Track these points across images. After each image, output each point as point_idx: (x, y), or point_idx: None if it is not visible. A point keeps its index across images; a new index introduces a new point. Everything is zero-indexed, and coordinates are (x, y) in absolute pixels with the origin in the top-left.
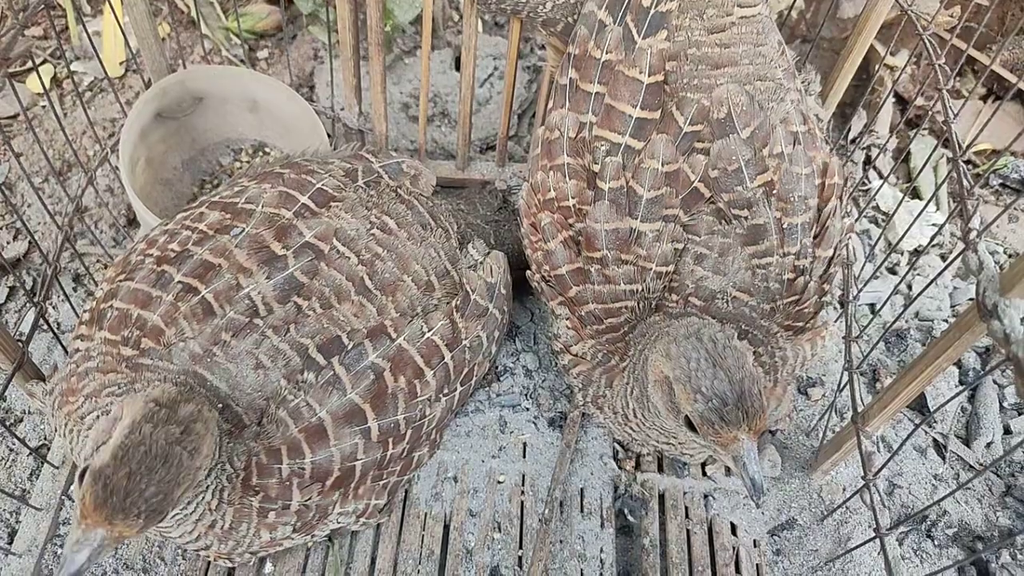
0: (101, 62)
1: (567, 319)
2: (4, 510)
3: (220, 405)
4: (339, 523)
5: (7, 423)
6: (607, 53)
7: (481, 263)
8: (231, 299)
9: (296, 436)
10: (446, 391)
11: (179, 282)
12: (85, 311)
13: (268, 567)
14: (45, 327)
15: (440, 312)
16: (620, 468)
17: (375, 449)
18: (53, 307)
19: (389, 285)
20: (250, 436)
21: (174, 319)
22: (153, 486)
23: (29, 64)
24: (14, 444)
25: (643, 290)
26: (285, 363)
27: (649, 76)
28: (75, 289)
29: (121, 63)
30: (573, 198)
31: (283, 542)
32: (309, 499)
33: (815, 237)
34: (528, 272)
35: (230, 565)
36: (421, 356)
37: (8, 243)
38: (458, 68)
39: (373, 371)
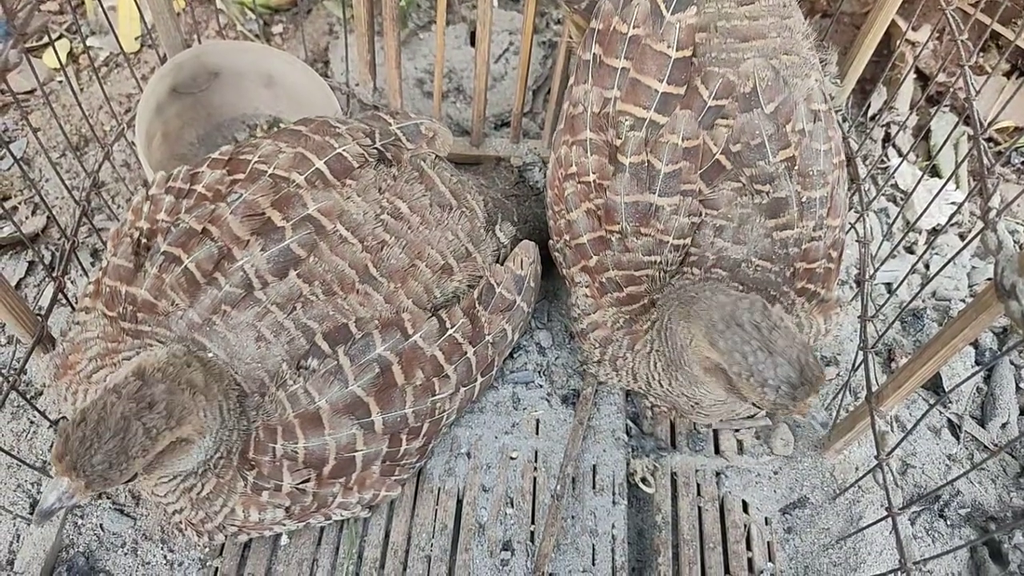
0: (117, 37)
1: (586, 287)
2: (26, 481)
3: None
4: (341, 515)
5: (28, 396)
6: (634, 28)
7: (506, 246)
8: (224, 270)
9: (291, 420)
10: (467, 383)
11: (163, 252)
12: (89, 283)
13: (284, 539)
14: (64, 301)
15: (460, 308)
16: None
17: (378, 441)
18: (71, 282)
19: (398, 272)
20: (252, 407)
21: (162, 292)
22: (100, 454)
23: (45, 39)
24: (35, 416)
25: (661, 262)
26: (288, 340)
27: (677, 51)
28: (93, 264)
29: (137, 38)
30: (594, 173)
31: (272, 527)
32: (304, 484)
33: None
34: (550, 242)
35: (196, 539)
36: (442, 353)
37: (27, 218)
38: (473, 43)
39: (379, 364)
